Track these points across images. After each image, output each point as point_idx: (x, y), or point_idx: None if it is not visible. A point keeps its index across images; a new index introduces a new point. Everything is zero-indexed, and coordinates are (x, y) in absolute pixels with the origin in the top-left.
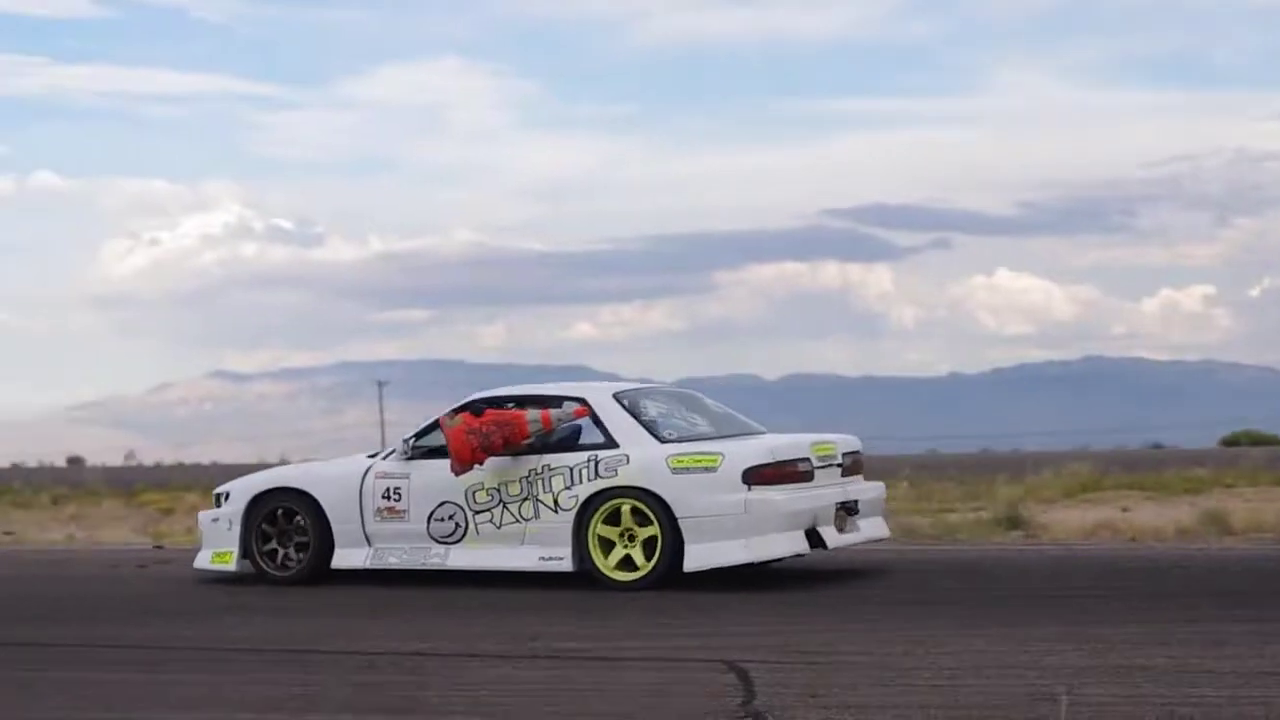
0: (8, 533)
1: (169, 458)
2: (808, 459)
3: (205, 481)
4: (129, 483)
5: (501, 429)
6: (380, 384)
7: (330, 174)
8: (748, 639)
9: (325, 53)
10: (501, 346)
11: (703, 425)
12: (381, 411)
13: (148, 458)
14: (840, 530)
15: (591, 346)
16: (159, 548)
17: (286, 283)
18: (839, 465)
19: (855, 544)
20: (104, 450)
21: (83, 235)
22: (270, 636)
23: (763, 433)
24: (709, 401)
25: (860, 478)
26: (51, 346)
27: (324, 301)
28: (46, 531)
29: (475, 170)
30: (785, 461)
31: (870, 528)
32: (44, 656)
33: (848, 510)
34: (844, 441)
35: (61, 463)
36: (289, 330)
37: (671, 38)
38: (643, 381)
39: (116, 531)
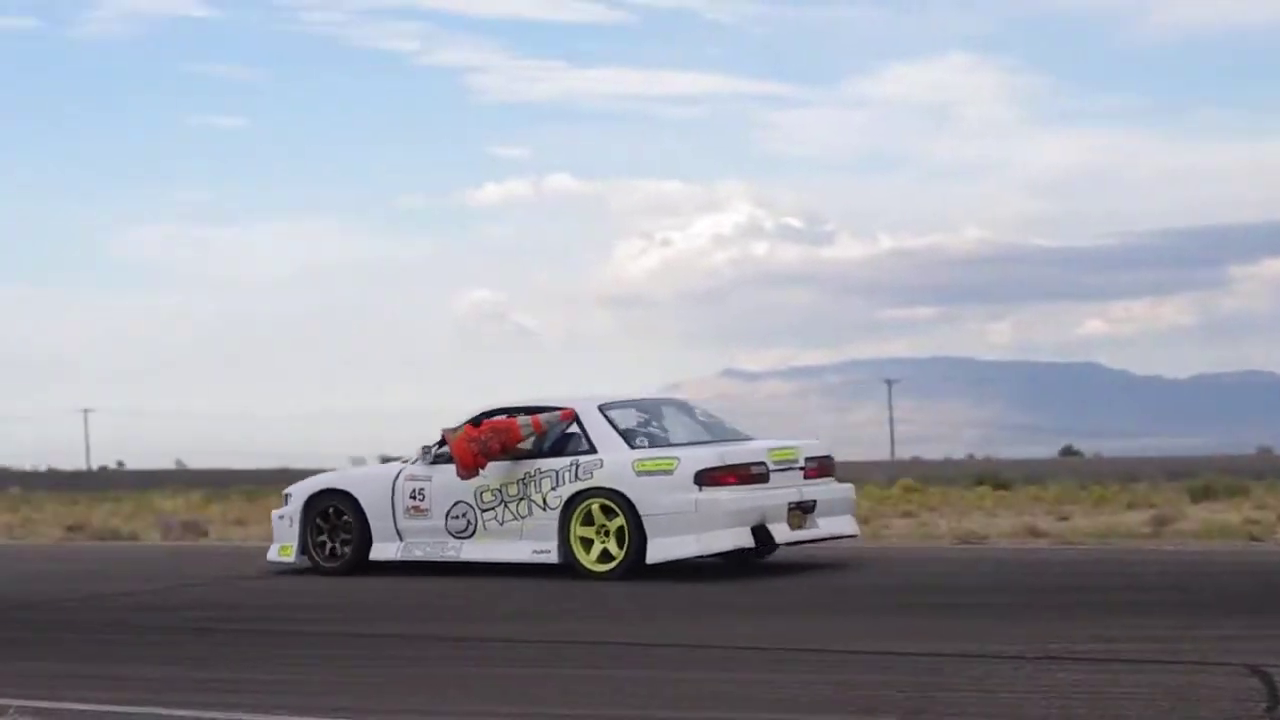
0: None
1: None
2: (762, 463)
3: None
4: None
5: (498, 435)
6: (889, 382)
7: (839, 172)
8: (1266, 642)
9: (834, 51)
10: (1009, 344)
11: (678, 433)
12: (890, 410)
13: None
14: (794, 527)
15: (1102, 343)
16: None
17: (796, 281)
18: (800, 469)
19: (811, 540)
20: None
21: (596, 237)
22: (758, 636)
23: (747, 439)
24: (696, 412)
25: (829, 480)
26: (566, 347)
27: (833, 300)
28: None
29: (984, 167)
30: (735, 465)
31: (831, 525)
32: (543, 652)
33: (803, 509)
34: (808, 447)
35: None
36: (799, 329)
37: (1184, 27)
38: (633, 395)
39: None
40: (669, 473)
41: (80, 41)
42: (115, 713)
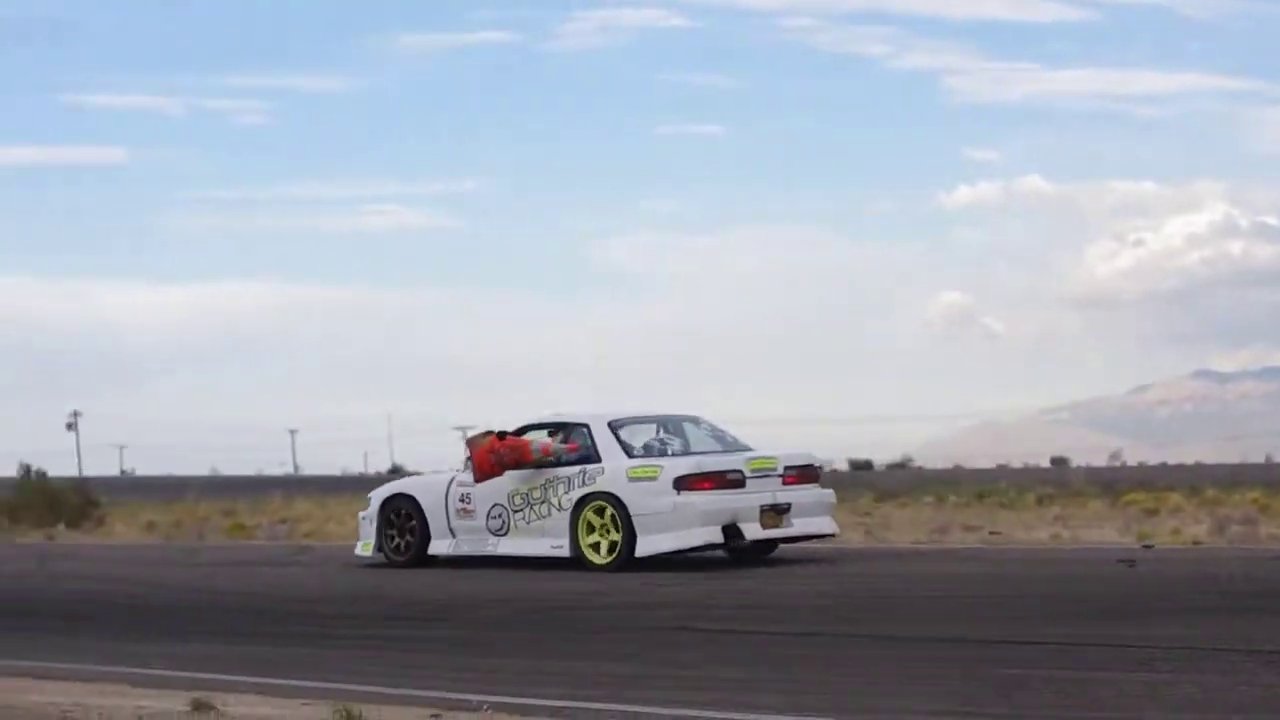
0: (994, 532)
1: (1152, 458)
2: (739, 471)
3: (1189, 482)
4: (1112, 483)
5: (512, 452)
6: None
7: None
8: None
9: None
10: None
11: (675, 445)
12: None
13: (1131, 458)
14: (766, 526)
15: None
16: (1148, 547)
17: (1272, 280)
18: (779, 476)
19: (783, 537)
20: (1086, 451)
21: (1067, 239)
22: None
23: (742, 450)
24: (703, 426)
25: (810, 486)
26: (1033, 349)
27: None
28: (1032, 531)
29: None
30: (711, 473)
31: (806, 525)
32: (1032, 654)
33: (777, 510)
34: (790, 457)
35: (1045, 464)
36: (1274, 328)
37: None
38: (651, 412)
39: (1099, 531)
40: (654, 479)
41: (556, 55)
42: (586, 709)
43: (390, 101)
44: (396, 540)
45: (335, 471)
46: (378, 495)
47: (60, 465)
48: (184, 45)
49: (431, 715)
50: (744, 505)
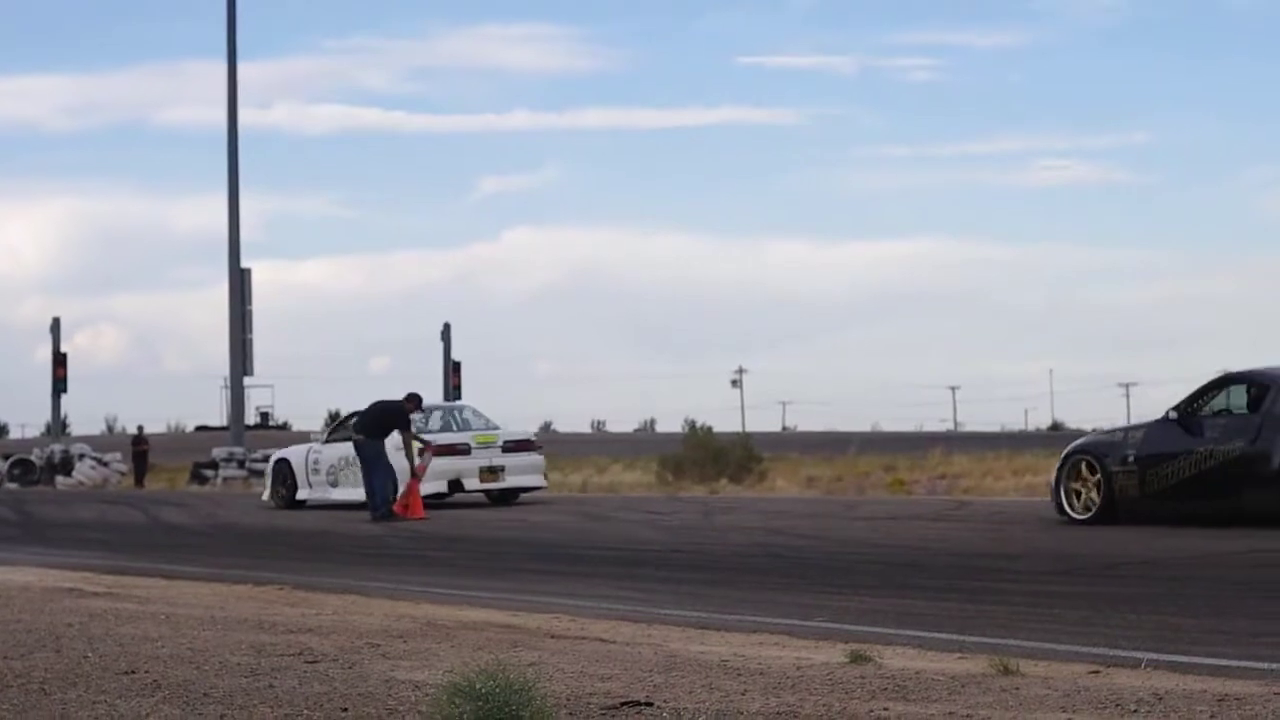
0: None
1: None
2: (466, 443)
3: None
4: None
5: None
6: None
7: None
8: None
9: None
10: None
11: (436, 425)
12: None
13: None
14: (483, 481)
15: None
16: None
17: None
18: (499, 447)
19: (497, 489)
20: None
21: None
22: None
23: (482, 430)
24: (470, 413)
25: (525, 453)
26: None
27: None
28: None
29: None
30: (444, 445)
31: (516, 480)
32: None
33: (492, 471)
34: (510, 434)
35: None
36: None
37: None
38: (441, 404)
39: None
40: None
41: (1232, 4)
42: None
43: (1060, 55)
44: (280, 489)
45: (994, 428)
46: (272, 458)
47: (725, 421)
48: (856, 4)
49: (1090, 671)
50: (466, 467)
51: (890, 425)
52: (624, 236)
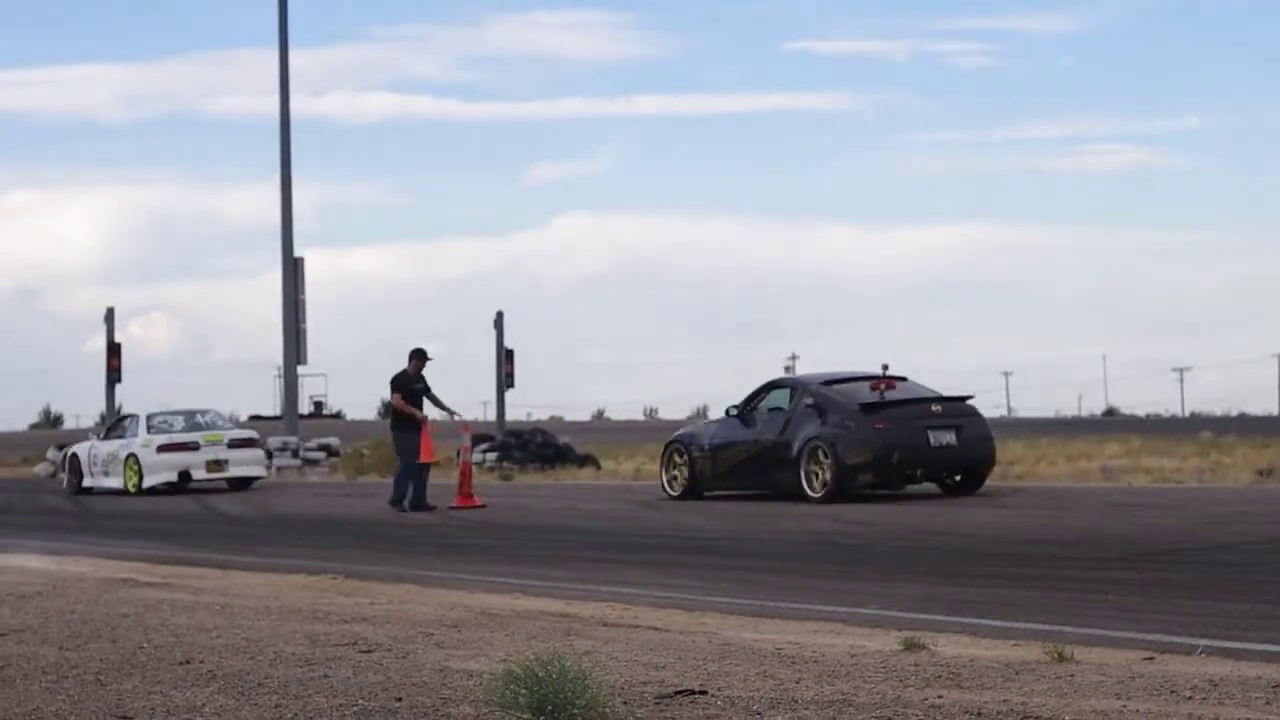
0: None
1: None
2: (196, 441)
3: None
4: None
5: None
6: None
7: None
8: None
9: None
10: None
11: (180, 427)
12: None
13: None
14: (209, 472)
15: None
16: None
17: None
18: (226, 444)
19: (221, 478)
20: None
21: None
22: None
23: (212, 429)
24: (212, 415)
25: (248, 449)
26: None
27: None
28: None
29: None
30: (175, 444)
31: (239, 471)
32: None
33: (217, 464)
34: (233, 433)
35: None
36: None
37: None
38: (184, 409)
39: None
40: (150, 446)
41: None
42: None
43: (1112, 39)
44: (72, 478)
45: (1048, 413)
46: (66, 452)
47: None
48: None
49: (1144, 658)
50: (195, 460)
51: None
52: (675, 223)
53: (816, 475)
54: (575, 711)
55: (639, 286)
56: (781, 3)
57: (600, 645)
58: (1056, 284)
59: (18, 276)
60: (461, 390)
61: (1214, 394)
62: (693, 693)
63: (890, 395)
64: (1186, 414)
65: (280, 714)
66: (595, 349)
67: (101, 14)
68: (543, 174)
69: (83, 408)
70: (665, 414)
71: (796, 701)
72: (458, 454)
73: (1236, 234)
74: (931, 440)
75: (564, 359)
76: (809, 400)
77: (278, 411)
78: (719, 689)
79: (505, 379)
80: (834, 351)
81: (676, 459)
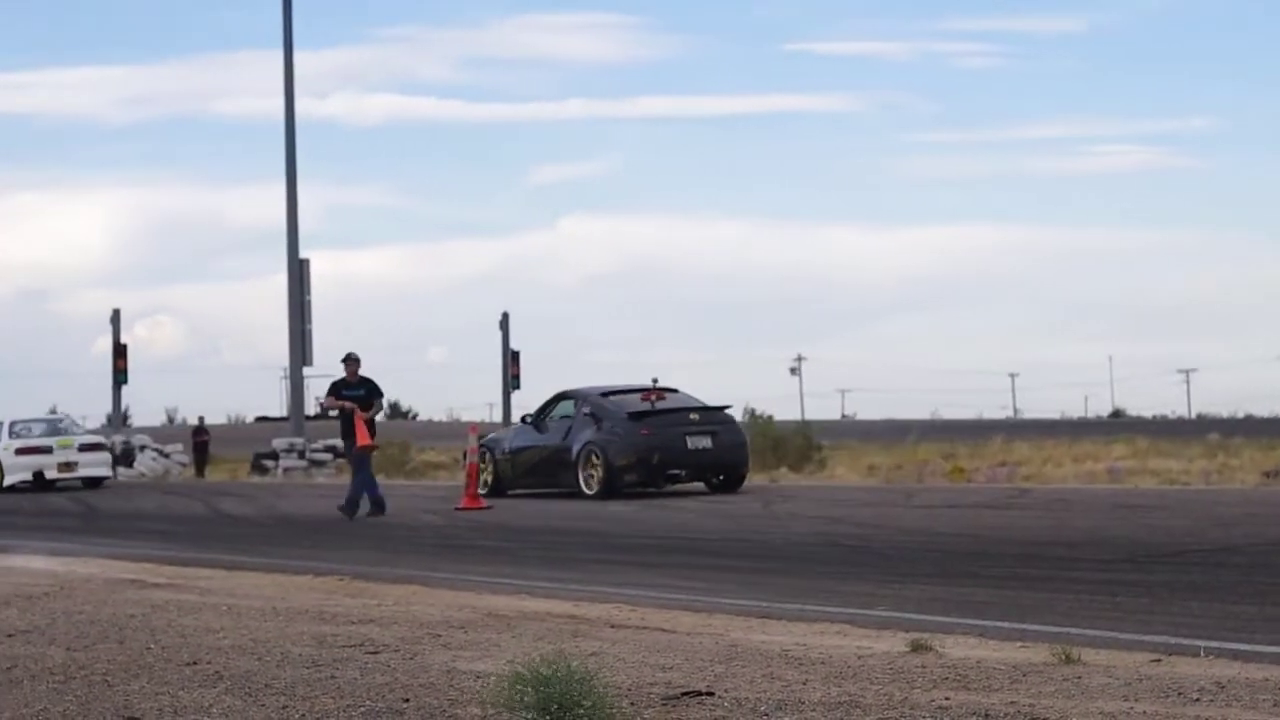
0: None
1: None
2: (49, 445)
3: None
4: None
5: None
6: None
7: None
8: None
9: None
10: None
11: (37, 433)
12: None
13: None
14: (60, 473)
15: None
16: None
17: None
18: (77, 448)
19: (70, 478)
20: None
21: None
22: None
23: (68, 435)
24: (68, 422)
25: (96, 452)
26: None
27: None
28: None
29: None
30: (30, 447)
31: (87, 471)
32: None
33: (68, 466)
34: (86, 439)
35: None
36: None
37: None
38: (42, 416)
39: None
40: (9, 450)
41: None
42: None
43: (1116, 40)
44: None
45: (1054, 415)
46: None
47: (784, 409)
48: None
49: (1152, 660)
50: (48, 462)
51: (949, 413)
52: (679, 224)
53: (592, 476)
54: (582, 713)
55: (644, 287)
56: (786, 4)
57: (607, 646)
58: (1063, 285)
59: (24, 278)
60: (467, 392)
61: (1221, 395)
62: (700, 694)
63: (660, 405)
64: (1193, 415)
65: (287, 715)
66: (600, 350)
67: (107, 16)
68: (547, 175)
69: (89, 409)
70: None
71: (803, 703)
72: (464, 456)
73: (1243, 235)
74: (689, 444)
75: (569, 360)
76: (587, 409)
77: (284, 412)
78: (726, 690)
79: (511, 380)
80: (840, 352)
81: (484, 461)
